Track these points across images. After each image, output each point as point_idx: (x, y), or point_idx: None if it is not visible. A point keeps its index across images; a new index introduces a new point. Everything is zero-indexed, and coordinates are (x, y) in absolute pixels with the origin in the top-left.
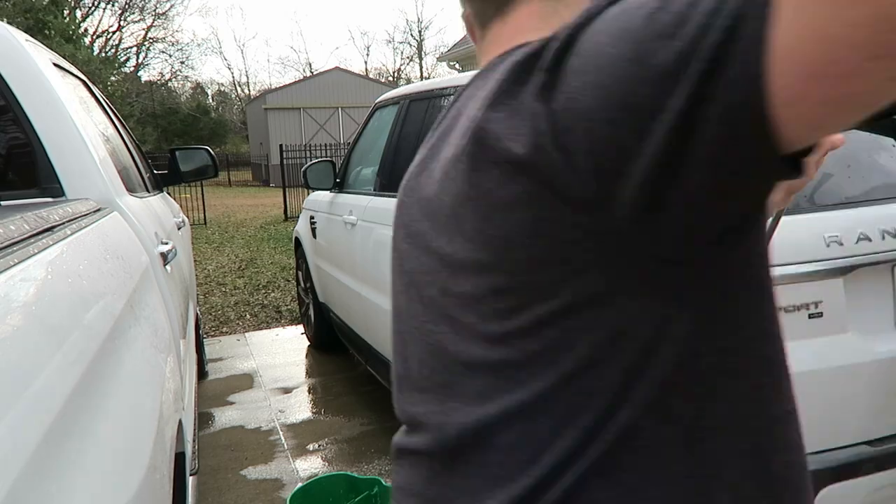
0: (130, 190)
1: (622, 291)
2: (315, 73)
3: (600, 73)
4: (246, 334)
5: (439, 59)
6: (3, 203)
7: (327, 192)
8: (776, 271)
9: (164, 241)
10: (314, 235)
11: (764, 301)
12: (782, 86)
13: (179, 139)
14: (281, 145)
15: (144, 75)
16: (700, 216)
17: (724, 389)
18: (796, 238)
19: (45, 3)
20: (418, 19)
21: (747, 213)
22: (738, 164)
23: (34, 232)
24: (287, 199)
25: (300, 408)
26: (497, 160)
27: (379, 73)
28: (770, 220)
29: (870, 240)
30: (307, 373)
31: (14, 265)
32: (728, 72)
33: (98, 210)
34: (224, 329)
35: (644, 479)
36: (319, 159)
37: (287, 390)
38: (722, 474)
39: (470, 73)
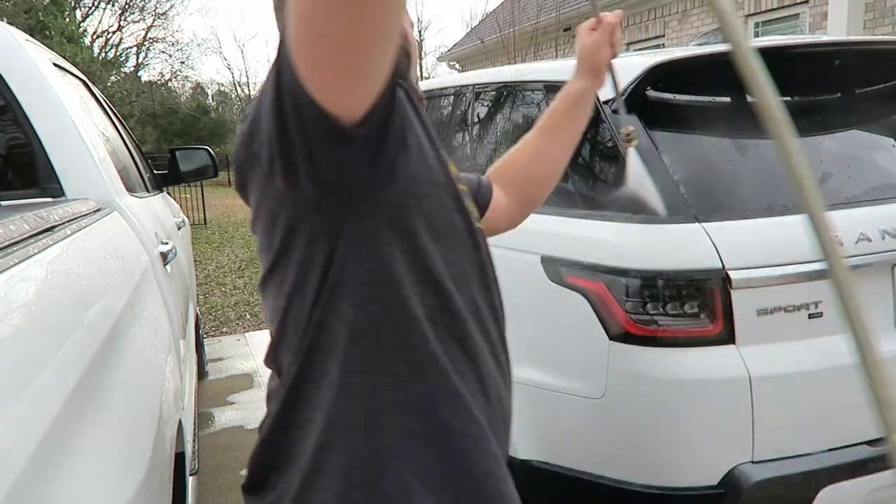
0: (130, 190)
1: (312, 237)
2: None
3: (258, 106)
4: (246, 334)
5: (439, 59)
6: (3, 203)
7: None
8: (777, 270)
9: (164, 241)
10: None
11: (415, 231)
12: (298, 63)
13: (179, 139)
14: None
15: (144, 75)
16: (320, 177)
17: (374, 297)
18: (796, 238)
19: (45, 3)
20: (418, 19)
21: (350, 173)
22: (310, 129)
23: (34, 232)
24: None
25: None
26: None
27: None
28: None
29: (870, 240)
30: None
31: (14, 265)
32: (283, 62)
33: (98, 210)
34: (224, 329)
35: (331, 360)
36: None
37: None
38: (380, 357)
39: (471, 73)
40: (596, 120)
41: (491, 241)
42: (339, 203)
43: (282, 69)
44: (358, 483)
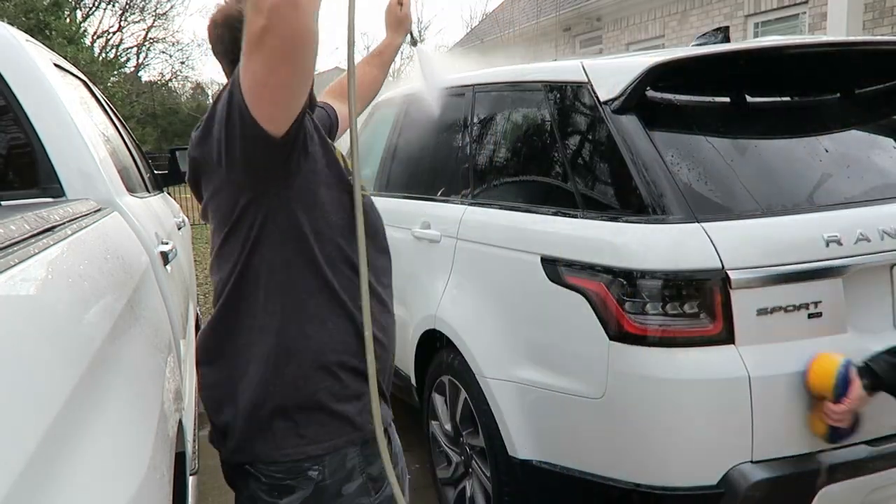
0: (130, 190)
1: (246, 206)
2: (315, 72)
3: (210, 119)
4: None
5: None
6: (3, 203)
7: None
8: (776, 270)
9: (164, 241)
10: None
11: (315, 206)
12: (248, 100)
13: (179, 139)
14: None
15: (145, 76)
16: (252, 167)
17: (285, 245)
18: (796, 238)
19: (46, 3)
20: (418, 20)
21: (272, 166)
22: (249, 138)
23: (34, 232)
24: None
25: None
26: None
27: None
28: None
29: (869, 240)
30: None
31: (14, 265)
32: (235, 95)
33: (98, 210)
34: None
35: (255, 287)
36: None
37: None
38: (288, 285)
39: (470, 74)
40: (595, 120)
41: (490, 241)
42: (263, 185)
43: (234, 99)
44: (272, 369)
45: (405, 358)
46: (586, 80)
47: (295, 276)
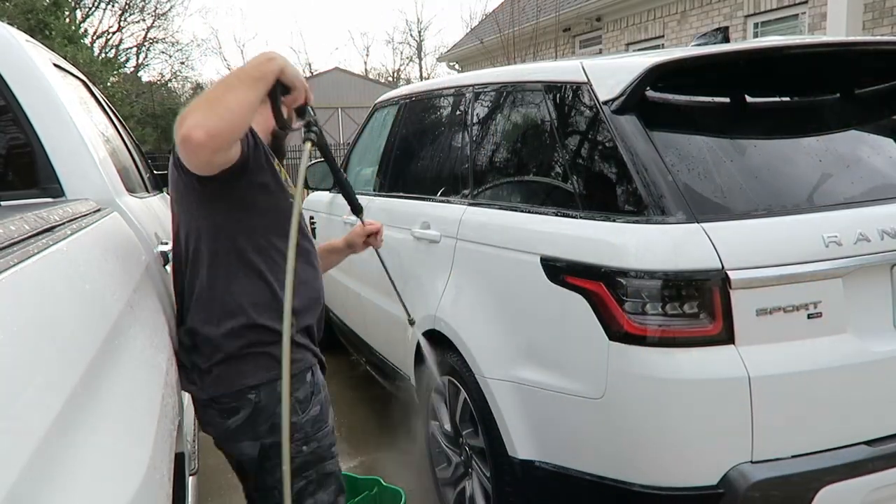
0: (130, 190)
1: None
2: (315, 73)
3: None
4: None
5: (439, 60)
6: (3, 203)
7: (327, 193)
8: (776, 271)
9: (163, 241)
10: (314, 236)
11: (254, 211)
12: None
13: None
14: None
15: (144, 76)
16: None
17: (235, 236)
18: (796, 238)
19: (45, 3)
20: (418, 20)
21: (218, 184)
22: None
23: (34, 232)
24: None
25: None
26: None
27: (378, 74)
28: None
29: (868, 240)
30: None
31: (14, 265)
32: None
33: (98, 210)
34: None
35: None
36: (319, 159)
37: None
38: (226, 265)
39: (470, 74)
40: (595, 120)
41: (490, 241)
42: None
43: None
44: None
45: (405, 358)
46: (586, 80)
47: (230, 260)
